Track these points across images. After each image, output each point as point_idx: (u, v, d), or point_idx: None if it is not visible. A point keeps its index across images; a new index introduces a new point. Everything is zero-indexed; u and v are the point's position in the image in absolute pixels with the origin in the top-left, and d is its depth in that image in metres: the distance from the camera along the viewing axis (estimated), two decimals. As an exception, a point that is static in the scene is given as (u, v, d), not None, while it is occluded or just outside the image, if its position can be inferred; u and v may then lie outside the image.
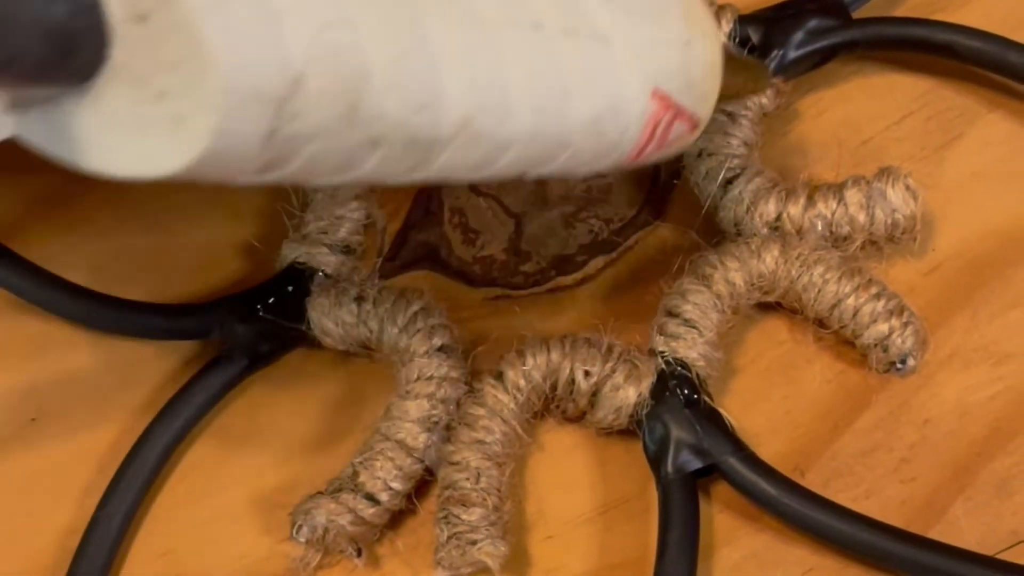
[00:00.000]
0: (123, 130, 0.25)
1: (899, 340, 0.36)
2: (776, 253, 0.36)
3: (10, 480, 0.37)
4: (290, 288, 0.38)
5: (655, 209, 0.40)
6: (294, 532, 0.35)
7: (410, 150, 0.27)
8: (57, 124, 0.26)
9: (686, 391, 0.35)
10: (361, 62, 0.25)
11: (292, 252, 0.38)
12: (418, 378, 0.36)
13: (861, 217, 0.37)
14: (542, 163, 0.30)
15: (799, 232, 0.37)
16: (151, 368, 0.38)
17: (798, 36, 0.40)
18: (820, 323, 0.37)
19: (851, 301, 0.36)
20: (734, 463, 0.35)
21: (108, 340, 0.39)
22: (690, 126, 0.32)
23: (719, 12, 0.40)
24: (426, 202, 0.41)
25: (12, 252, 0.40)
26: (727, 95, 0.34)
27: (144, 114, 0.25)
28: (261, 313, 0.37)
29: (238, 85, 0.24)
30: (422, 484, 0.36)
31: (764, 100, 0.39)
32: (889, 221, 0.37)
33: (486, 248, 0.40)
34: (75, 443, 0.38)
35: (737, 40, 0.40)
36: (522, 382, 0.36)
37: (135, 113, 0.25)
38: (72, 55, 0.25)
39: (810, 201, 0.37)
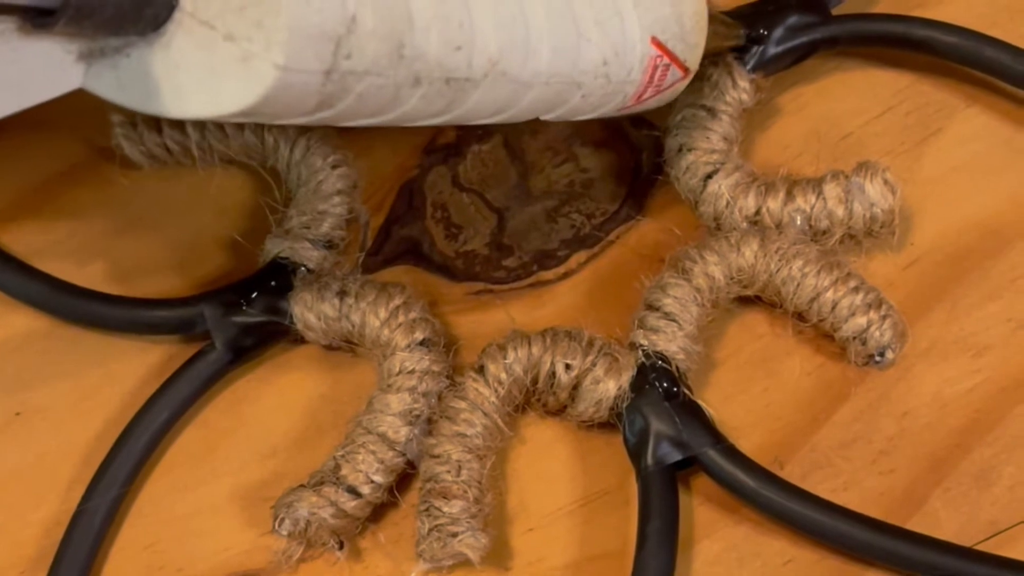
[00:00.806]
0: (192, 73, 0.27)
1: (877, 333, 0.36)
2: (755, 247, 0.37)
3: (-7, 474, 0.38)
4: (273, 283, 0.38)
5: (637, 204, 0.40)
6: (276, 525, 0.35)
7: (446, 89, 0.30)
8: (126, 72, 0.28)
9: (666, 384, 0.36)
10: (406, 3, 0.28)
11: (275, 247, 0.38)
12: (400, 372, 0.36)
13: (840, 211, 0.37)
14: (556, 105, 0.34)
15: (778, 226, 0.37)
16: (134, 362, 0.38)
17: (778, 32, 0.40)
18: (799, 316, 0.37)
19: (830, 295, 0.36)
20: (714, 455, 0.35)
21: (91, 334, 0.39)
22: (683, 73, 0.36)
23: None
24: (408, 197, 0.41)
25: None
26: (707, 48, 0.37)
27: (212, 57, 0.26)
28: (244, 307, 0.37)
29: (302, 24, 0.26)
30: (404, 477, 0.36)
31: (744, 96, 0.39)
32: (868, 215, 0.37)
33: (468, 243, 0.40)
34: (59, 437, 0.38)
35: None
36: (503, 375, 0.36)
37: (204, 56, 0.27)
38: (146, 5, 0.26)
39: (789, 196, 0.38)
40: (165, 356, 0.39)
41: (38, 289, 0.39)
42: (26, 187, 0.41)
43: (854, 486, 0.36)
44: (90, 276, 0.39)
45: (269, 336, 0.38)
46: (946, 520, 0.35)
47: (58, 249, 0.40)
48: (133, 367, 0.38)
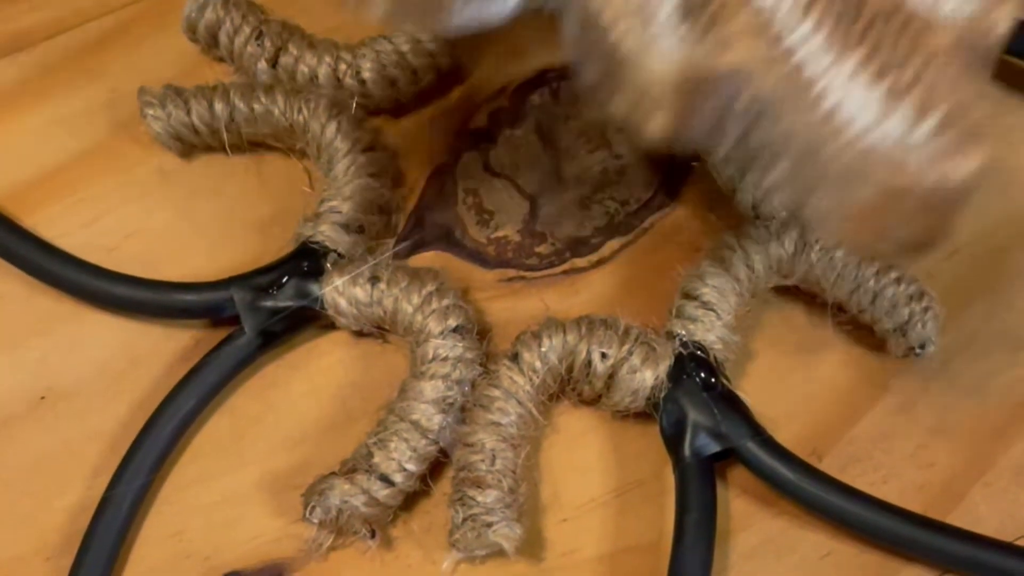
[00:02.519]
0: None
1: (919, 326, 0.36)
2: (796, 236, 0.36)
3: (20, 459, 0.37)
4: (304, 267, 0.37)
5: (671, 191, 0.40)
6: (307, 513, 0.35)
7: None
8: None
9: (704, 374, 0.35)
10: None
11: (306, 231, 0.38)
12: (433, 359, 0.36)
13: (881, 200, 0.37)
14: None
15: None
16: (162, 347, 0.38)
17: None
18: (839, 307, 0.37)
19: (871, 285, 0.36)
20: (752, 447, 0.34)
21: (117, 318, 0.38)
22: None
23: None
24: (440, 183, 0.40)
25: (23, 228, 0.39)
26: None
27: None
28: (274, 292, 0.37)
29: None
30: (436, 466, 0.36)
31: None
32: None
33: (500, 229, 0.40)
34: (85, 422, 0.37)
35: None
36: (538, 364, 0.35)
37: None
38: None
39: (830, 184, 0.37)
40: (192, 341, 0.38)
41: (64, 271, 0.38)
42: (52, 168, 0.40)
43: (893, 479, 0.35)
44: (118, 261, 0.39)
45: (299, 321, 0.37)
46: (987, 515, 0.35)
47: (84, 232, 0.39)
48: (160, 352, 0.38)
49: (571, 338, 0.35)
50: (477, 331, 0.37)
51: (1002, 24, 0.28)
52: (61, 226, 0.39)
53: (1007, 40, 0.28)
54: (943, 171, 0.26)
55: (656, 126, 0.27)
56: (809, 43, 0.27)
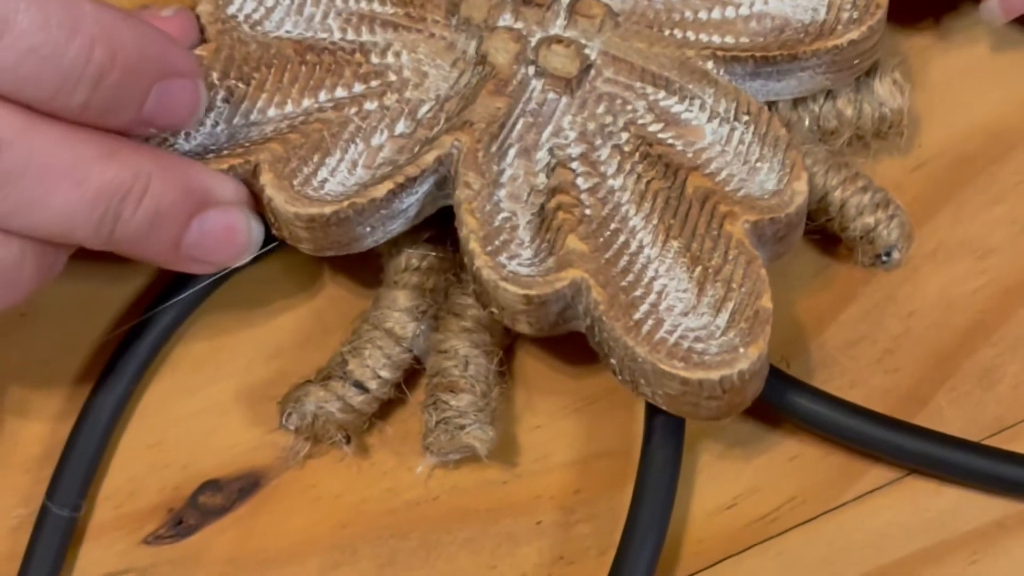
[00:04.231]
0: None
1: (885, 232, 0.36)
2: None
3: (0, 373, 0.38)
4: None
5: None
6: (283, 420, 0.35)
7: None
8: None
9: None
10: None
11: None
12: (406, 268, 0.36)
13: (848, 111, 0.37)
14: None
15: (787, 126, 0.37)
16: (140, 266, 0.38)
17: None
18: (807, 216, 0.37)
19: (837, 194, 0.36)
20: (720, 351, 0.35)
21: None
22: None
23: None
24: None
25: None
26: None
27: None
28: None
29: None
30: (411, 374, 0.36)
31: None
32: (877, 115, 0.37)
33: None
34: (65, 337, 0.38)
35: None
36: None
37: None
38: None
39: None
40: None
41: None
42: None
43: (860, 384, 0.36)
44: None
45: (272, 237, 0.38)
46: (951, 418, 0.36)
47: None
48: (139, 267, 0.38)
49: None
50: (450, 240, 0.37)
51: (799, 196, 0.34)
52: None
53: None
54: (729, 363, 0.31)
55: (522, 327, 0.34)
56: (637, 239, 0.34)
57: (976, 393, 0.36)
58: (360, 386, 0.35)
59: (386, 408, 0.36)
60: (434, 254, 0.36)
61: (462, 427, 0.34)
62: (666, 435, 0.34)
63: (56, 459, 0.36)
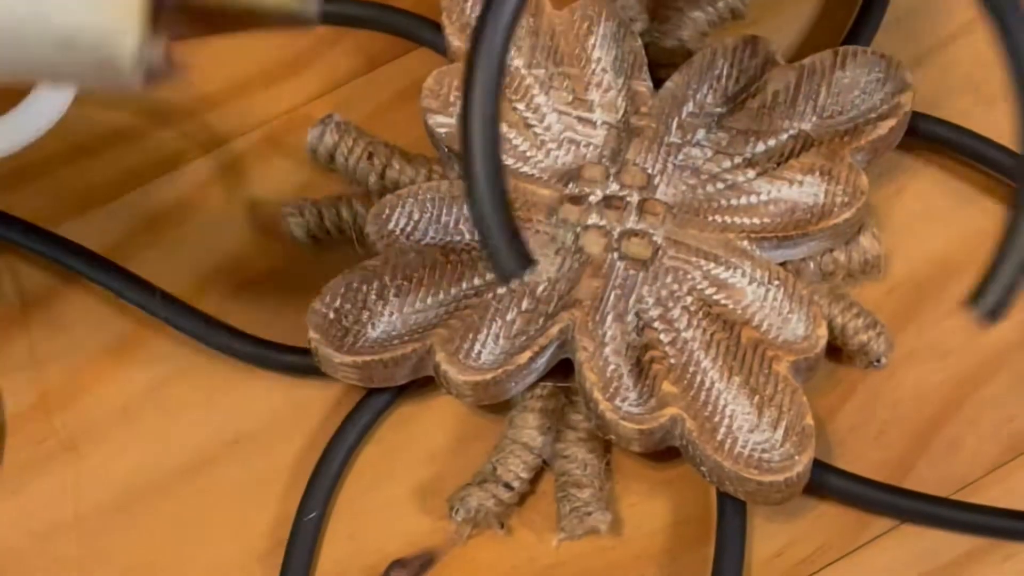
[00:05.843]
0: None
1: (875, 345, 0.49)
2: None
3: (221, 488, 0.49)
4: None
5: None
6: (453, 513, 0.48)
7: None
8: None
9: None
10: None
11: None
12: (532, 396, 0.49)
13: (842, 259, 0.50)
14: None
15: (797, 272, 0.51)
16: (319, 398, 0.50)
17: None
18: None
19: (839, 320, 0.49)
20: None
21: (280, 376, 0.51)
22: None
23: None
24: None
25: (185, 304, 0.51)
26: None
27: None
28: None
29: None
30: (538, 472, 0.49)
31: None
32: (862, 259, 0.50)
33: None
34: (271, 458, 0.50)
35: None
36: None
37: None
38: None
39: (804, 249, 0.51)
40: (341, 392, 0.51)
41: (229, 342, 0.51)
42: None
43: (862, 458, 0.47)
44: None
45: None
46: (929, 479, 0.46)
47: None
48: (319, 402, 0.50)
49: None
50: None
51: (823, 340, 0.46)
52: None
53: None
54: (789, 468, 0.44)
55: (634, 448, 0.46)
56: (710, 377, 0.46)
57: (946, 459, 0.47)
58: (508, 486, 0.48)
59: (522, 497, 0.49)
60: (551, 384, 0.49)
61: (588, 513, 0.47)
62: (734, 508, 0.47)
63: (282, 550, 0.47)
